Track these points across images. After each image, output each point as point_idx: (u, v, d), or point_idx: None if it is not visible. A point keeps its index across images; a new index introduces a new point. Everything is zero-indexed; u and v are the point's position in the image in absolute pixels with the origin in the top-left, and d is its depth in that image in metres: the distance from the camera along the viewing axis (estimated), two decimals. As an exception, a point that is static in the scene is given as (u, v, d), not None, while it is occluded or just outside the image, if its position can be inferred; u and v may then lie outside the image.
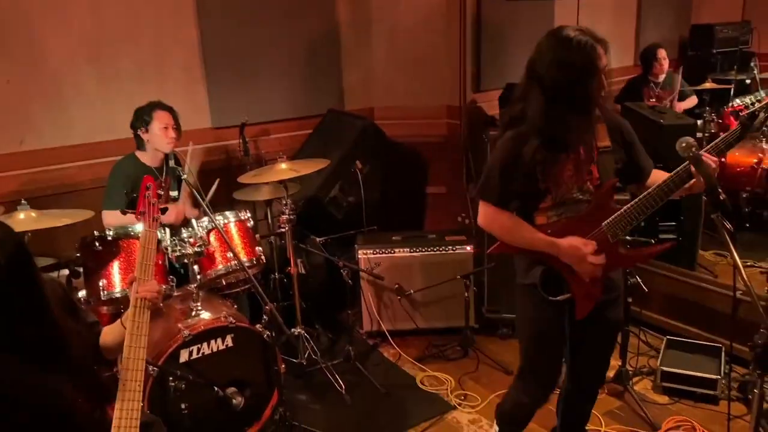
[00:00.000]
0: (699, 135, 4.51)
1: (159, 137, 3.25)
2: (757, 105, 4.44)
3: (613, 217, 2.08)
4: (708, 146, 2.05)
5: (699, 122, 4.54)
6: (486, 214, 2.17)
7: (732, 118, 4.60)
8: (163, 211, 2.09)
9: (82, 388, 1.46)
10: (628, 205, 2.06)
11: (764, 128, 4.12)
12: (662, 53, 4.98)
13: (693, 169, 1.96)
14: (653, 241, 2.74)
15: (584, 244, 2.07)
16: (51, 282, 1.57)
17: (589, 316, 2.15)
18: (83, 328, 1.70)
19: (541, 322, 2.25)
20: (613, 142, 2.13)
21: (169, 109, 3.31)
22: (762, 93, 4.54)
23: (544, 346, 2.29)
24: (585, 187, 2.11)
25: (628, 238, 2.21)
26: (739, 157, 4.50)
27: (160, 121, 3.25)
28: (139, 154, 3.33)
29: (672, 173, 2.02)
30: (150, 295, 1.71)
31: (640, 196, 2.05)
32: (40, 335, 1.36)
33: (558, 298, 2.14)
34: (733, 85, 4.70)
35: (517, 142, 2.06)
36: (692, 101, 5.11)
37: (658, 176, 2.14)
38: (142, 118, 3.26)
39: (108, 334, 1.77)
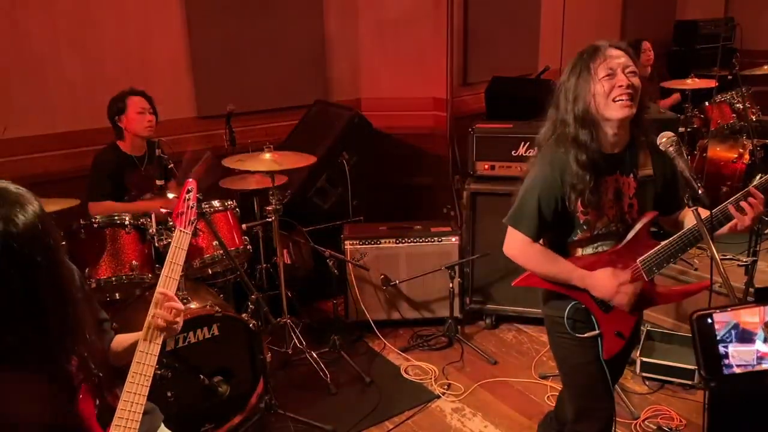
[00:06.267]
0: (681, 130, 4.57)
1: (136, 122, 3.23)
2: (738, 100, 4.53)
3: (649, 253, 1.96)
4: (756, 181, 1.89)
5: (681, 117, 4.59)
6: (515, 244, 2.02)
7: (715, 113, 4.67)
8: (200, 215, 2.06)
9: (88, 373, 1.46)
10: (667, 242, 1.94)
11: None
12: (646, 45, 5.02)
13: (733, 210, 1.84)
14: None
15: (615, 275, 1.95)
16: (70, 268, 1.55)
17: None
18: (96, 318, 1.69)
19: (581, 368, 2.11)
20: (655, 170, 2.01)
21: (142, 94, 3.29)
22: (743, 89, 4.60)
23: (591, 390, 2.12)
24: (624, 218, 2.00)
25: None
26: (720, 152, 4.57)
27: (134, 106, 3.23)
28: (119, 144, 3.32)
29: (715, 210, 1.86)
30: (167, 319, 1.63)
31: (681, 232, 1.92)
32: (56, 311, 1.34)
33: (586, 335, 2.04)
34: (715, 81, 4.77)
35: (559, 166, 1.93)
36: (675, 98, 5.17)
37: (688, 211, 1.97)
38: (116, 106, 3.24)
39: (122, 342, 1.73)
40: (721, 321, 1.46)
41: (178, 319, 1.65)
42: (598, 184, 1.94)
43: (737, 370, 1.46)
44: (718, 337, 1.46)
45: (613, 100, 1.86)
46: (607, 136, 1.94)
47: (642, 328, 3.51)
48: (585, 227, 1.99)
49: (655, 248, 1.96)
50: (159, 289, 1.65)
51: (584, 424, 2.17)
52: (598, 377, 2.08)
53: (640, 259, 1.98)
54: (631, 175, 2.00)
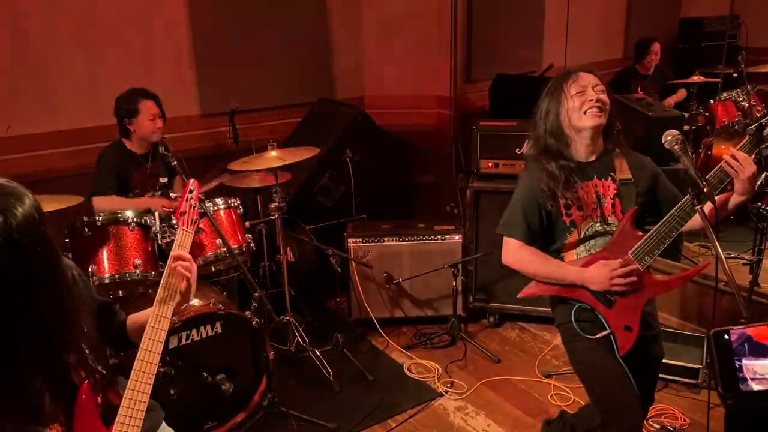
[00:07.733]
0: (686, 128, 4.55)
1: (147, 127, 3.23)
2: (745, 99, 4.50)
3: (639, 243, 2.05)
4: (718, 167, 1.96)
5: (686, 115, 4.58)
6: (510, 250, 2.17)
7: (720, 111, 4.64)
8: (202, 215, 2.07)
9: (89, 369, 1.45)
10: (653, 230, 2.03)
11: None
12: (656, 47, 5.04)
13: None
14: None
15: (606, 264, 2.05)
16: (66, 260, 1.54)
17: (632, 353, 2.08)
18: (96, 306, 1.69)
19: (600, 369, 2.12)
20: (639, 180, 2.14)
21: (153, 97, 3.27)
22: (749, 87, 4.59)
23: (614, 389, 2.12)
24: (610, 219, 2.12)
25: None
26: (725, 150, 4.55)
27: (147, 112, 3.22)
28: (125, 141, 3.32)
29: (708, 174, 1.95)
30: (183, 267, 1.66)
31: (664, 219, 2.01)
32: (55, 302, 1.34)
33: (596, 336, 2.09)
34: (720, 79, 4.75)
35: (536, 175, 2.12)
36: (681, 94, 5.16)
37: None
38: (126, 107, 3.22)
39: (136, 320, 1.74)
40: (737, 333, 1.45)
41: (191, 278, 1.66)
42: (577, 188, 2.12)
43: (755, 387, 1.45)
44: (734, 351, 1.45)
45: (585, 112, 2.08)
46: (581, 146, 2.14)
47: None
48: (572, 229, 2.12)
49: (643, 238, 2.05)
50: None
51: (610, 429, 2.16)
52: (619, 379, 2.09)
53: (631, 251, 2.06)
54: (609, 179, 2.15)
